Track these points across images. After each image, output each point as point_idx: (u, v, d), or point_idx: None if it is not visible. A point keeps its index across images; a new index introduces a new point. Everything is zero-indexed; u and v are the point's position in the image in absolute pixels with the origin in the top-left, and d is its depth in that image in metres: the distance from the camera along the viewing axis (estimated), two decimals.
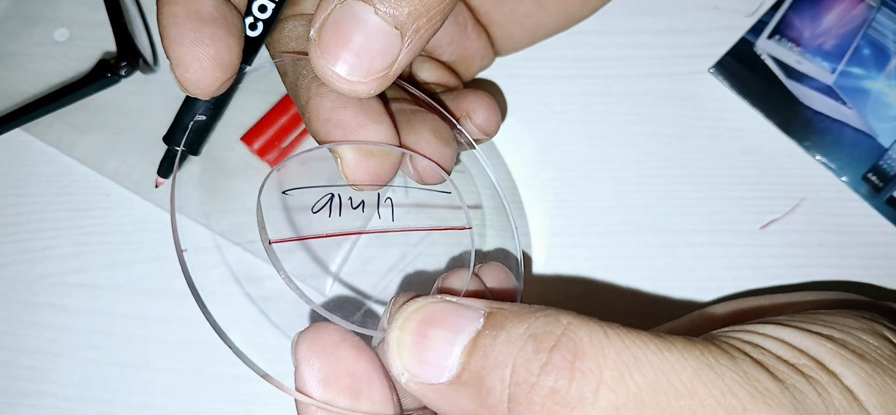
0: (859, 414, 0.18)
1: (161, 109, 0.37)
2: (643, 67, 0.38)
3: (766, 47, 0.36)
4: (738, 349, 0.19)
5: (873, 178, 0.34)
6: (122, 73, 0.34)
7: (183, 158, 0.29)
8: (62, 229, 0.36)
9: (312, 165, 0.28)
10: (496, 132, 0.30)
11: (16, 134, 0.37)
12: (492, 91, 0.38)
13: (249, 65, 0.26)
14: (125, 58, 0.34)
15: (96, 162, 0.36)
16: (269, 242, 0.24)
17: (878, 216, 0.35)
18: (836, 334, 0.20)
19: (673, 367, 0.18)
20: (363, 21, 0.21)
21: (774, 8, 0.36)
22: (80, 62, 0.38)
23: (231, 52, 0.23)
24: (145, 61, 0.36)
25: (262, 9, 0.25)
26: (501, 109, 0.37)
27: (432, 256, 0.33)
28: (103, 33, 0.38)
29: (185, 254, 0.22)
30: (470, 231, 0.26)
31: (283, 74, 0.26)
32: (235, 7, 0.24)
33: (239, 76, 0.25)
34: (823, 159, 0.35)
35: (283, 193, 0.26)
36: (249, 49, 0.25)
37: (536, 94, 0.38)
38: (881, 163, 0.34)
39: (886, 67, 0.35)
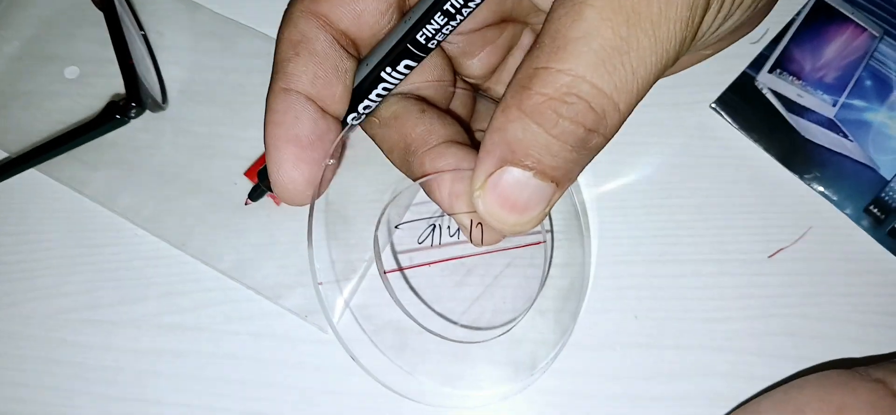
0: None
1: (170, 144, 0.38)
2: (648, 97, 0.38)
3: (767, 81, 0.36)
4: None
5: (875, 210, 0.34)
6: (132, 115, 0.35)
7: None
8: (76, 266, 0.36)
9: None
10: None
11: (28, 172, 0.37)
12: None
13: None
14: (133, 99, 0.34)
15: (107, 199, 0.37)
16: (384, 272, 0.30)
17: (881, 247, 0.35)
18: None
19: None
20: (524, 185, 0.23)
21: (776, 41, 0.36)
22: (92, 99, 0.39)
23: (321, 169, 0.26)
24: (155, 101, 0.36)
25: (367, 108, 0.27)
26: None
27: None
28: (113, 70, 0.38)
29: (321, 286, 0.28)
30: (543, 245, 0.32)
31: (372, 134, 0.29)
32: (333, 117, 0.26)
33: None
34: (825, 192, 0.35)
35: (396, 227, 0.34)
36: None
37: None
38: (883, 195, 0.34)
39: (889, 99, 0.35)
